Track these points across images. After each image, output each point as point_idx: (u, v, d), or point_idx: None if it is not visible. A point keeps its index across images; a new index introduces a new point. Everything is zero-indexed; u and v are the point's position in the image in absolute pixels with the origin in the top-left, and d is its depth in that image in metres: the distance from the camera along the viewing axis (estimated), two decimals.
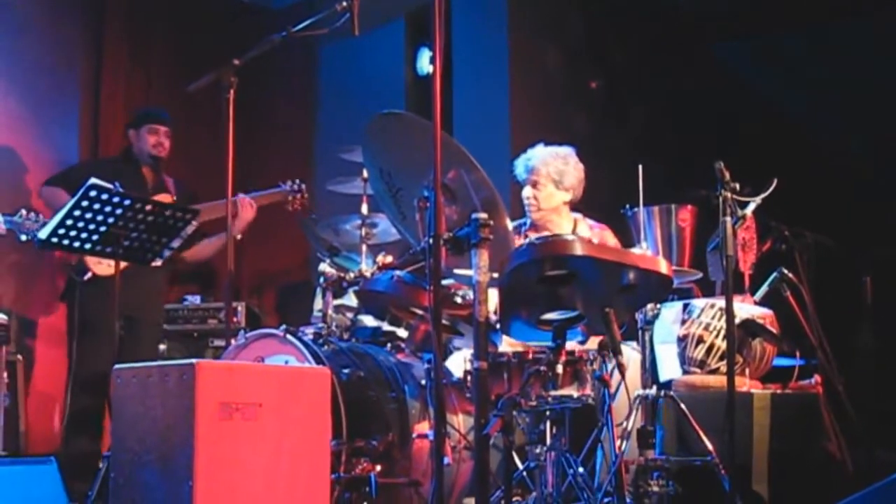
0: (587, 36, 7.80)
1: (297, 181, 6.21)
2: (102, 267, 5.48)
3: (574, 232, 5.20)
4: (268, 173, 6.38)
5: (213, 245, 6.08)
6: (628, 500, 3.91)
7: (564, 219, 5.26)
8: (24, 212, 5.12)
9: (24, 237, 5.13)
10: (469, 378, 4.21)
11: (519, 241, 3.83)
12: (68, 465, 4.75)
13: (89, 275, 5.48)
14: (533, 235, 5.14)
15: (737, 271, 4.78)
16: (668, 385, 4.59)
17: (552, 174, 5.16)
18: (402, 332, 4.79)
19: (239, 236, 5.01)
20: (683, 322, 4.77)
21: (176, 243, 4.91)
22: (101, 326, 5.63)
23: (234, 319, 6.57)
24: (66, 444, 5.56)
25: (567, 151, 5.23)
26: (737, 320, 4.36)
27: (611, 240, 5.20)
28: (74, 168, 5.85)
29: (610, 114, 7.79)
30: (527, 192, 5.23)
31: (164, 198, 5.61)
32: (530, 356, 4.02)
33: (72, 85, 6.82)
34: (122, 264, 5.42)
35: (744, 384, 4.52)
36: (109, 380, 5.71)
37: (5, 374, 5.61)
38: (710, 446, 4.18)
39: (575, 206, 5.31)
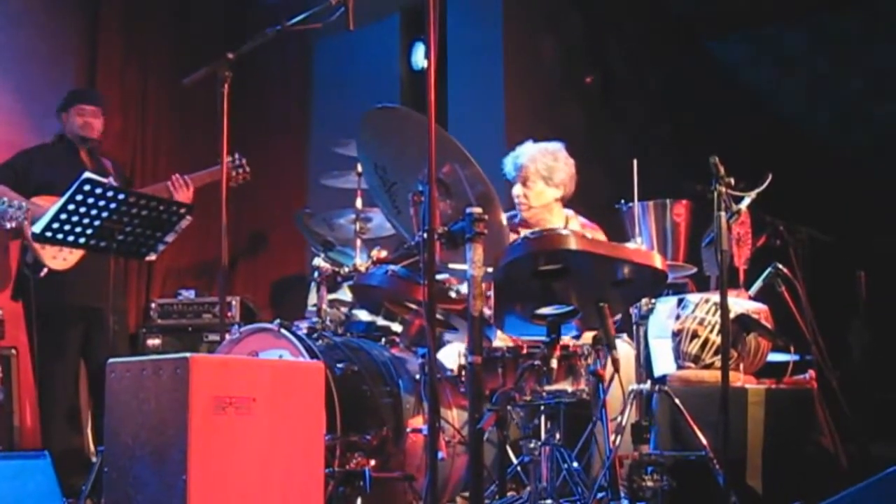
0: (583, 31, 7.81)
1: (238, 155, 6.06)
2: (58, 262, 5.45)
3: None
4: (262, 167, 6.37)
5: None
6: (622, 494, 3.91)
7: (556, 216, 5.22)
8: (6, 199, 5.11)
9: (9, 225, 5.11)
10: (463, 372, 4.21)
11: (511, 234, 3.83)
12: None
13: (45, 271, 5.44)
14: (524, 231, 5.14)
15: (731, 266, 4.78)
16: (662, 380, 4.59)
17: (541, 171, 5.12)
18: (397, 327, 4.79)
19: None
20: (678, 317, 4.78)
21: (170, 237, 4.90)
22: (63, 320, 5.63)
23: (229, 314, 6.58)
24: (47, 440, 5.53)
25: (556, 147, 5.19)
26: (731, 315, 4.36)
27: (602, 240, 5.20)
28: (13, 160, 5.78)
29: (605, 108, 7.80)
30: (517, 190, 5.19)
31: None
32: (524, 351, 4.02)
33: (66, 78, 6.80)
34: (78, 257, 5.45)
35: (738, 379, 4.53)
36: (78, 373, 5.82)
37: None
38: (704, 441, 4.19)
39: (568, 203, 5.30)
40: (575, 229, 5.12)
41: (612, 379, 3.84)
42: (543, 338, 3.80)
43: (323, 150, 6.39)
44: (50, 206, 4.67)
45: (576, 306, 3.70)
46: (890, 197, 6.57)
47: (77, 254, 5.47)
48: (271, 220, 7.83)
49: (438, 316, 4.22)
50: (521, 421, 4.28)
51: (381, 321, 4.99)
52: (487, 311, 3.85)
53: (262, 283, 7.89)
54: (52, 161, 5.76)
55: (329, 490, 3.95)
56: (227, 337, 4.57)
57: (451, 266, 3.81)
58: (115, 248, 4.71)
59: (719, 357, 4.28)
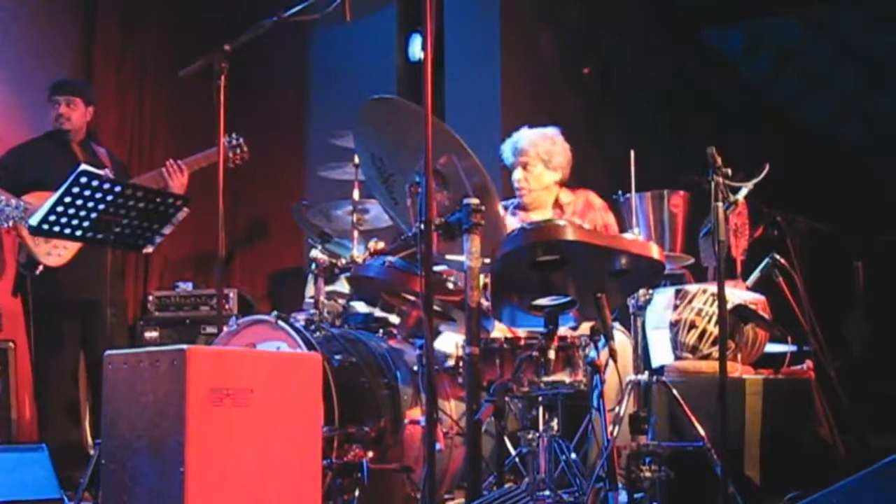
0: (580, 21, 7.80)
1: (234, 135, 5.98)
2: (53, 258, 5.45)
3: (556, 203, 5.23)
4: (259, 159, 6.36)
5: None
6: (620, 485, 3.91)
7: (552, 196, 5.27)
8: (3, 199, 5.10)
9: (6, 224, 5.09)
10: (461, 364, 4.21)
11: (505, 215, 3.83)
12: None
13: (41, 268, 5.43)
14: (521, 214, 5.16)
15: (729, 257, 4.78)
16: (660, 370, 4.59)
17: (541, 154, 5.18)
18: (394, 318, 4.78)
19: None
20: (675, 307, 4.77)
21: (167, 230, 4.88)
22: (61, 315, 5.62)
23: (226, 306, 6.56)
24: (45, 434, 5.52)
25: (553, 132, 5.25)
26: (729, 306, 4.36)
27: (597, 201, 5.25)
28: (3, 159, 5.74)
29: (603, 99, 7.79)
30: (517, 174, 5.23)
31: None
32: (522, 342, 4.02)
33: (63, 71, 6.78)
34: (72, 252, 5.44)
35: (736, 369, 4.53)
36: (77, 368, 5.81)
37: None
38: (702, 432, 4.19)
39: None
40: (565, 201, 5.19)
41: (606, 368, 3.84)
42: (541, 329, 3.79)
43: (320, 142, 6.38)
44: (42, 204, 4.65)
45: (573, 297, 3.70)
46: (888, 188, 6.57)
47: (72, 250, 5.46)
48: (268, 211, 7.82)
49: (436, 307, 4.22)
50: (519, 412, 4.28)
51: (378, 313, 4.97)
52: (485, 302, 3.84)
53: (259, 275, 7.88)
54: (44, 156, 5.73)
55: (327, 482, 3.95)
56: (225, 329, 4.57)
57: (448, 257, 3.80)
58: (112, 241, 4.70)
59: (717, 347, 4.29)
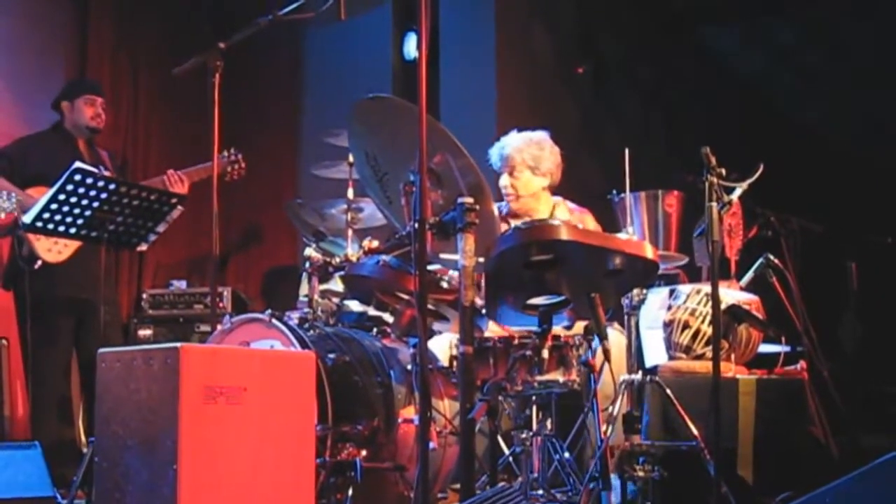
0: (575, 20, 7.80)
1: (233, 150, 6.02)
2: (52, 254, 5.43)
3: (553, 216, 5.18)
4: (254, 157, 6.36)
5: None
6: (614, 484, 3.91)
7: (543, 204, 5.21)
8: None
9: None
10: (455, 363, 4.21)
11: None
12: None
13: (39, 263, 5.42)
14: (512, 221, 5.14)
15: (723, 257, 4.78)
16: (653, 370, 4.59)
17: (527, 160, 5.10)
18: (388, 317, 4.78)
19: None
20: (669, 307, 4.78)
21: (161, 227, 4.88)
22: (55, 312, 5.61)
23: (220, 304, 6.55)
24: (38, 431, 5.50)
25: (541, 136, 5.17)
26: (723, 306, 4.37)
27: (591, 223, 5.18)
28: (7, 149, 5.73)
29: (598, 98, 7.80)
30: (504, 180, 5.17)
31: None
32: (516, 341, 4.02)
33: (57, 68, 6.78)
34: (72, 250, 5.44)
35: (729, 370, 4.53)
36: (69, 364, 5.80)
37: None
38: (695, 431, 4.19)
39: (560, 192, 5.28)
40: (563, 217, 5.13)
41: (602, 369, 3.85)
42: (535, 328, 3.80)
43: (314, 141, 6.38)
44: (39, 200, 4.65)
45: (567, 296, 3.70)
46: (881, 188, 6.58)
47: (71, 247, 5.45)
48: (263, 210, 7.81)
49: (430, 306, 4.22)
50: (513, 411, 4.28)
51: (372, 311, 4.97)
52: (479, 302, 3.84)
53: (253, 274, 7.87)
54: (50, 151, 5.71)
55: (320, 480, 3.95)
56: (219, 327, 4.56)
57: (442, 256, 3.80)
58: (106, 238, 4.70)
59: (710, 347, 4.29)
